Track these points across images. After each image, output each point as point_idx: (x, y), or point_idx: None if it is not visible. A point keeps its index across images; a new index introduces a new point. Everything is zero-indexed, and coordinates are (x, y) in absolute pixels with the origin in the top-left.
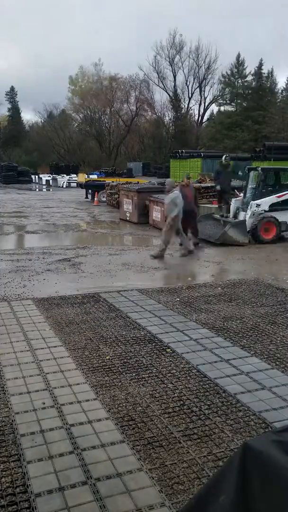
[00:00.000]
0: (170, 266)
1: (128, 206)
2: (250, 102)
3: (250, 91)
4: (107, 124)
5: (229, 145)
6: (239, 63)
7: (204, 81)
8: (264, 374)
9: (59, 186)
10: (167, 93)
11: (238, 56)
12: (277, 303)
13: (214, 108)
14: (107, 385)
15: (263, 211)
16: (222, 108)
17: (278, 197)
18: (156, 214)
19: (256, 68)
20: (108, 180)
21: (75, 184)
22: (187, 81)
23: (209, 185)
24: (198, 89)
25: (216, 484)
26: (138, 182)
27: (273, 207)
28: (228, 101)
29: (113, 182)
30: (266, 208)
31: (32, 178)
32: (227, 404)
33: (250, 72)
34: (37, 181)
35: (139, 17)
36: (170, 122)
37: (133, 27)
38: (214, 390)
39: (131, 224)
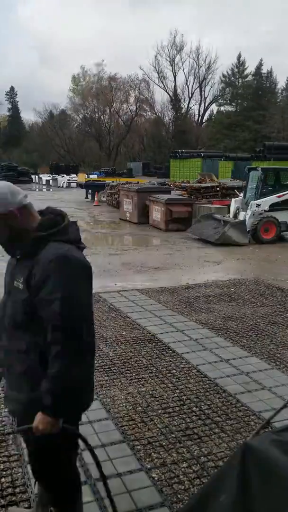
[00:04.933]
0: (170, 266)
1: (128, 206)
2: (250, 102)
3: (250, 91)
4: (107, 124)
5: (229, 145)
6: (240, 63)
7: (204, 81)
8: (264, 374)
9: (59, 186)
10: (167, 93)
11: (239, 56)
12: (277, 303)
13: (214, 108)
14: (107, 385)
15: (263, 211)
16: (222, 108)
17: (278, 197)
18: (156, 214)
19: (256, 68)
20: (108, 180)
21: (75, 184)
22: (187, 81)
23: (209, 185)
24: (198, 89)
25: (216, 484)
26: (138, 182)
27: (273, 207)
28: (228, 101)
29: (113, 182)
30: (266, 208)
31: (32, 178)
32: (227, 404)
33: (250, 72)
34: (37, 181)
35: (139, 16)
36: (170, 122)
37: (133, 27)
38: (214, 390)
39: (131, 224)
